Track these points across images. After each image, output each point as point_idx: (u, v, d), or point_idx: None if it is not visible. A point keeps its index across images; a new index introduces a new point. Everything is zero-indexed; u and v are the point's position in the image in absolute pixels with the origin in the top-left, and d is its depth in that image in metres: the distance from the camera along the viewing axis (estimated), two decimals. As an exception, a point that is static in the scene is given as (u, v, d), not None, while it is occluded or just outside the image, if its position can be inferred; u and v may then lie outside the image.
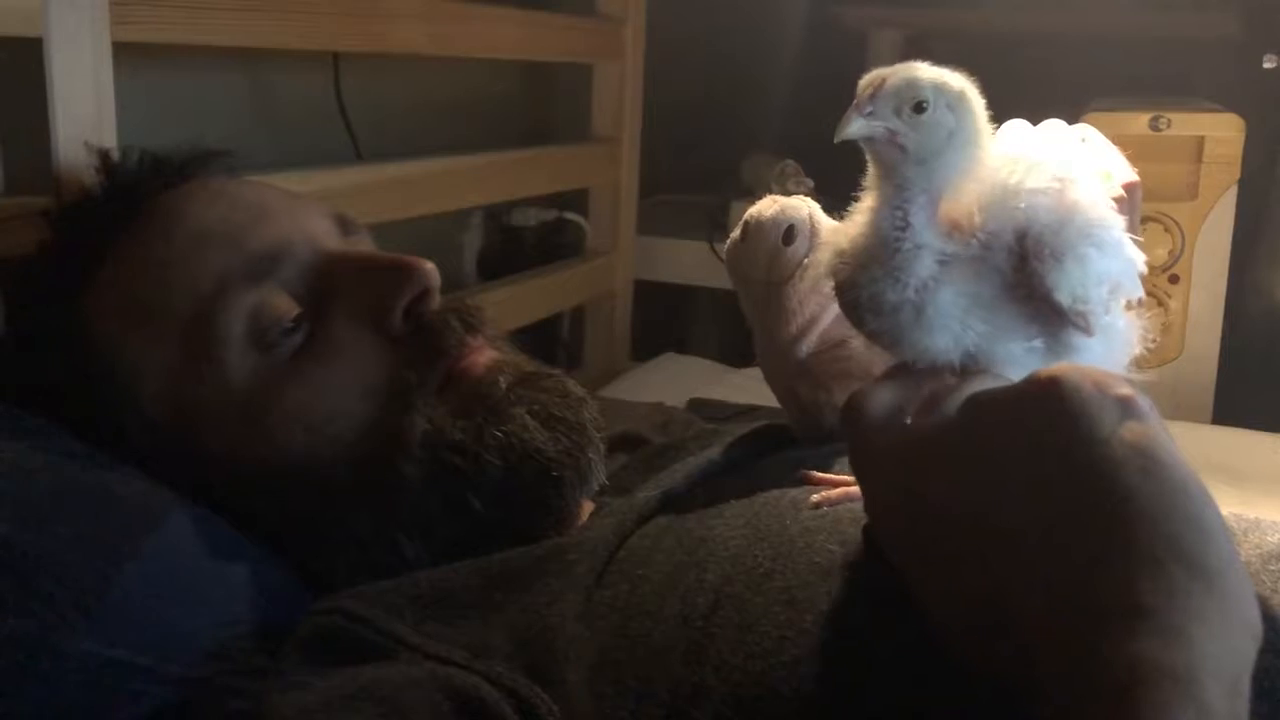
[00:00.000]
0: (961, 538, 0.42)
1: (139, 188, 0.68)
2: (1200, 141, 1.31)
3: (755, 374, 1.48)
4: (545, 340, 1.64)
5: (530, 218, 1.61)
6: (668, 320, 1.78)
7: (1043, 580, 0.39)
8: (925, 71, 0.48)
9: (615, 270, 1.61)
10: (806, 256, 0.68)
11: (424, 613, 0.55)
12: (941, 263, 0.47)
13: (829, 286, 0.51)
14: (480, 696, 0.49)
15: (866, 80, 0.48)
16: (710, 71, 1.86)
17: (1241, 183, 1.32)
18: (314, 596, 0.58)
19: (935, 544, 0.43)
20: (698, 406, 1.09)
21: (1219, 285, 1.35)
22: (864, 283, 0.48)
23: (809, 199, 0.69)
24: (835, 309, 0.71)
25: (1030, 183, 0.48)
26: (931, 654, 0.45)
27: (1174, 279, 1.34)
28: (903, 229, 0.47)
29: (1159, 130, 1.30)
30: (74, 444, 0.61)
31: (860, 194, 0.51)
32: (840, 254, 0.49)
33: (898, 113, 0.47)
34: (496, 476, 0.62)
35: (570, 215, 1.62)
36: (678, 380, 1.42)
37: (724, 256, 0.72)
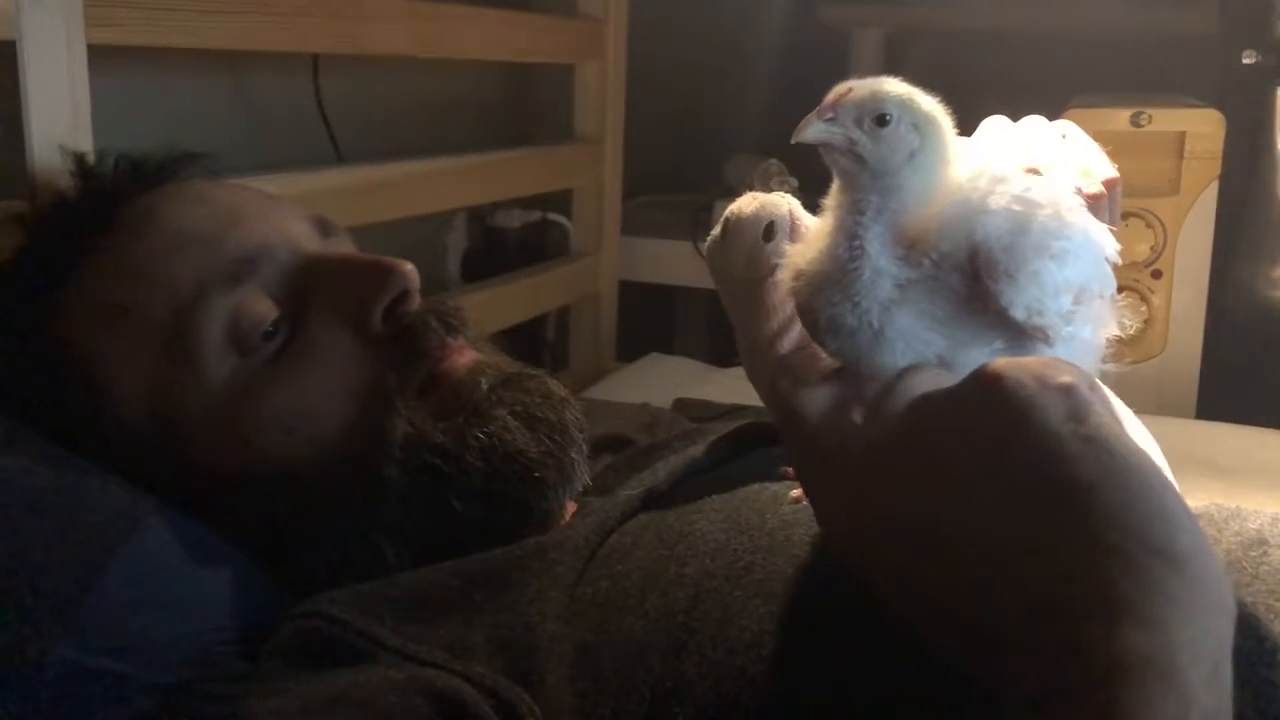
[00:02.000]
0: (918, 544, 0.41)
1: (115, 191, 0.68)
2: (1181, 137, 1.31)
3: (741, 373, 1.47)
4: (530, 342, 1.63)
5: (514, 219, 1.60)
6: (652, 321, 1.78)
7: (1010, 581, 0.38)
8: (894, 86, 0.47)
9: (599, 271, 1.61)
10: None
11: (404, 614, 0.55)
12: (898, 286, 0.47)
13: (790, 306, 0.50)
14: (461, 698, 0.49)
15: (835, 89, 0.47)
16: (692, 72, 1.86)
17: (1222, 178, 1.33)
18: (294, 600, 0.58)
19: (891, 551, 0.42)
20: (683, 407, 1.09)
21: (1201, 280, 1.35)
22: (821, 305, 0.48)
23: (789, 195, 0.69)
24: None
25: (989, 198, 0.47)
26: (909, 647, 0.45)
27: (1156, 274, 1.34)
28: (858, 255, 0.47)
29: (1140, 126, 1.30)
30: (50, 449, 0.61)
31: (822, 210, 0.50)
32: (799, 274, 0.49)
33: (859, 123, 0.46)
34: (478, 478, 0.62)
35: (554, 216, 1.62)
36: (663, 380, 1.41)
37: (704, 254, 0.72)
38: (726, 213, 0.69)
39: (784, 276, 0.50)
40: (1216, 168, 1.32)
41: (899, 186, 0.47)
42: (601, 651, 0.51)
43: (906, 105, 0.47)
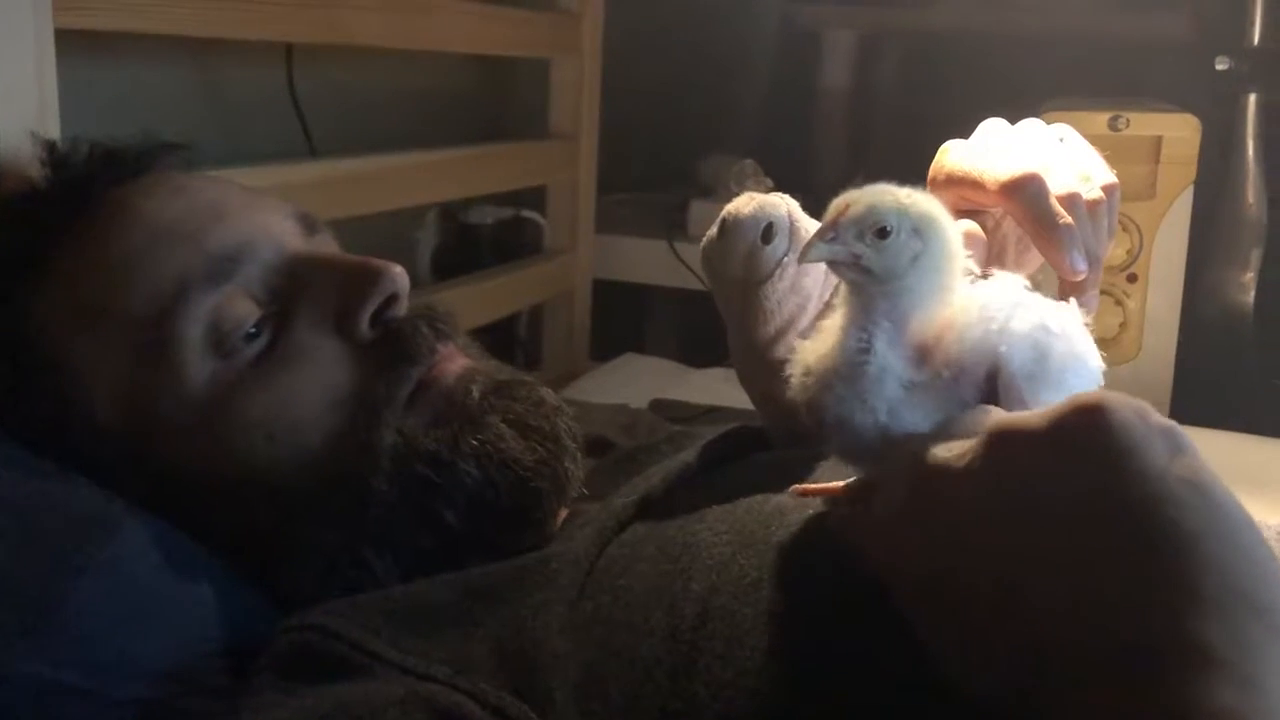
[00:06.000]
0: (988, 577, 0.39)
1: (89, 181, 0.65)
2: (1158, 141, 1.31)
3: (717, 375, 1.49)
4: (502, 341, 1.61)
5: (487, 215, 1.58)
6: (625, 320, 1.77)
7: (1093, 622, 0.37)
8: (890, 197, 0.48)
9: (574, 269, 1.59)
10: (785, 255, 0.66)
11: (401, 627, 0.53)
12: (904, 387, 0.48)
13: (799, 398, 0.50)
14: (464, 715, 0.47)
15: (832, 206, 0.48)
16: (667, 71, 1.85)
17: (1197, 183, 1.33)
18: (280, 613, 0.56)
19: (952, 585, 0.41)
20: (660, 408, 1.07)
21: (1176, 285, 1.36)
22: (829, 402, 0.48)
23: (787, 196, 0.68)
24: (813, 309, 0.70)
25: (1012, 321, 0.48)
26: (925, 667, 0.43)
27: (1132, 278, 1.34)
28: (866, 351, 0.47)
29: (1118, 130, 1.30)
30: (18, 452, 0.58)
31: (832, 306, 0.51)
32: (808, 371, 0.50)
33: (860, 237, 0.47)
34: (472, 487, 0.60)
35: (528, 213, 1.60)
36: (638, 381, 1.40)
37: (700, 254, 0.70)
38: (724, 213, 0.68)
39: (793, 373, 0.50)
40: (1192, 172, 1.32)
41: (906, 289, 0.48)
42: (607, 670, 0.50)
43: (905, 213, 0.48)
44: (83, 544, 0.54)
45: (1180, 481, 0.37)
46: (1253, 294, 1.46)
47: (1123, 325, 1.34)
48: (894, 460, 0.45)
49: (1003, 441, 0.41)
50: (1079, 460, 0.38)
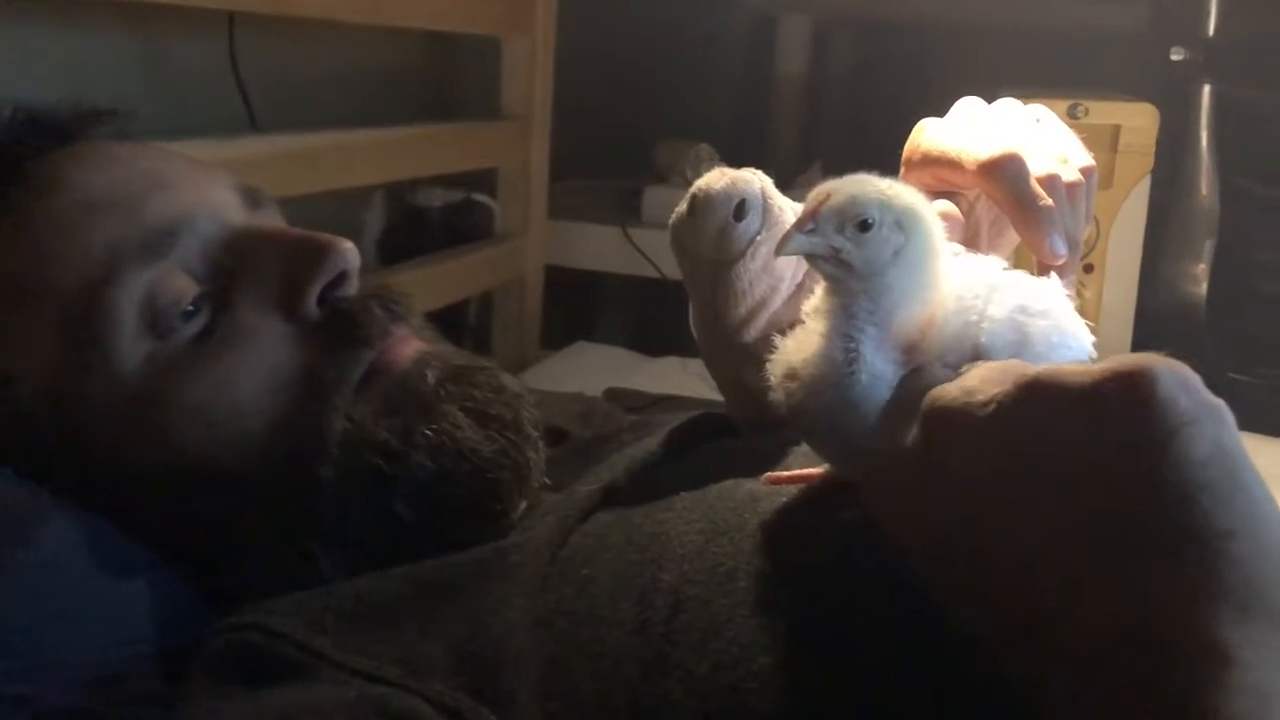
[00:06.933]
0: (999, 542, 0.37)
1: (14, 148, 0.60)
2: (1116, 131, 1.31)
3: (671, 363, 1.46)
4: (451, 327, 1.57)
5: (435, 198, 1.54)
6: (577, 308, 1.74)
7: (1110, 609, 0.34)
8: (872, 188, 0.46)
9: (526, 255, 1.56)
10: (759, 234, 0.64)
11: (350, 625, 0.50)
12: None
13: (783, 403, 0.48)
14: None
15: (811, 196, 0.46)
16: (622, 53, 1.82)
17: (1153, 174, 1.33)
18: (218, 613, 0.52)
19: (961, 548, 0.38)
20: (615, 396, 1.05)
21: (1132, 275, 1.36)
22: (818, 409, 0.47)
23: (760, 172, 0.65)
24: (786, 291, 0.67)
25: (990, 306, 0.47)
26: (909, 659, 0.42)
27: (1088, 268, 1.34)
28: (854, 359, 0.46)
29: (1076, 119, 1.30)
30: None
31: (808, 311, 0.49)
32: (793, 375, 0.48)
33: (840, 230, 0.46)
34: (426, 479, 0.56)
35: (478, 196, 1.56)
36: (590, 370, 1.38)
37: (669, 232, 0.67)
38: (694, 189, 0.65)
39: (773, 374, 0.49)
40: (1149, 162, 1.32)
41: (887, 286, 0.46)
42: (572, 664, 0.47)
43: (887, 205, 0.46)
44: (8, 540, 0.51)
45: (1221, 473, 0.35)
46: (1205, 285, 1.47)
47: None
48: (907, 399, 0.42)
49: (1036, 392, 0.37)
50: (1115, 431, 0.35)
